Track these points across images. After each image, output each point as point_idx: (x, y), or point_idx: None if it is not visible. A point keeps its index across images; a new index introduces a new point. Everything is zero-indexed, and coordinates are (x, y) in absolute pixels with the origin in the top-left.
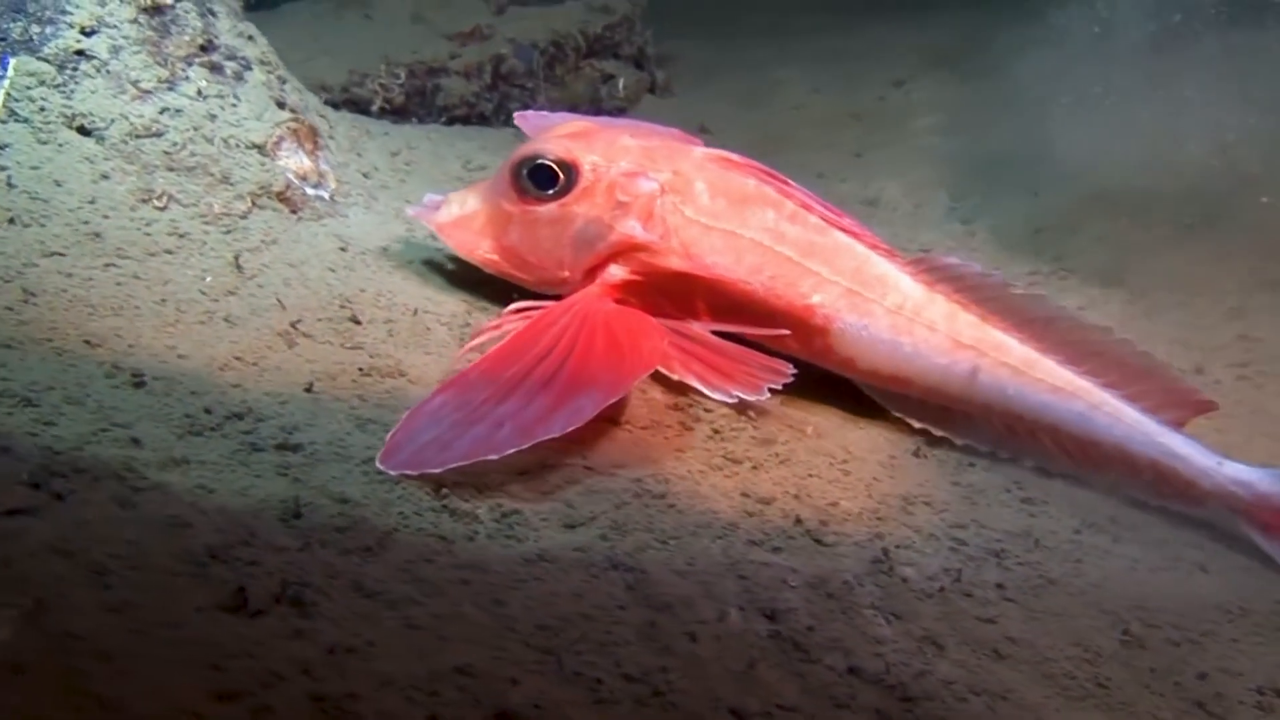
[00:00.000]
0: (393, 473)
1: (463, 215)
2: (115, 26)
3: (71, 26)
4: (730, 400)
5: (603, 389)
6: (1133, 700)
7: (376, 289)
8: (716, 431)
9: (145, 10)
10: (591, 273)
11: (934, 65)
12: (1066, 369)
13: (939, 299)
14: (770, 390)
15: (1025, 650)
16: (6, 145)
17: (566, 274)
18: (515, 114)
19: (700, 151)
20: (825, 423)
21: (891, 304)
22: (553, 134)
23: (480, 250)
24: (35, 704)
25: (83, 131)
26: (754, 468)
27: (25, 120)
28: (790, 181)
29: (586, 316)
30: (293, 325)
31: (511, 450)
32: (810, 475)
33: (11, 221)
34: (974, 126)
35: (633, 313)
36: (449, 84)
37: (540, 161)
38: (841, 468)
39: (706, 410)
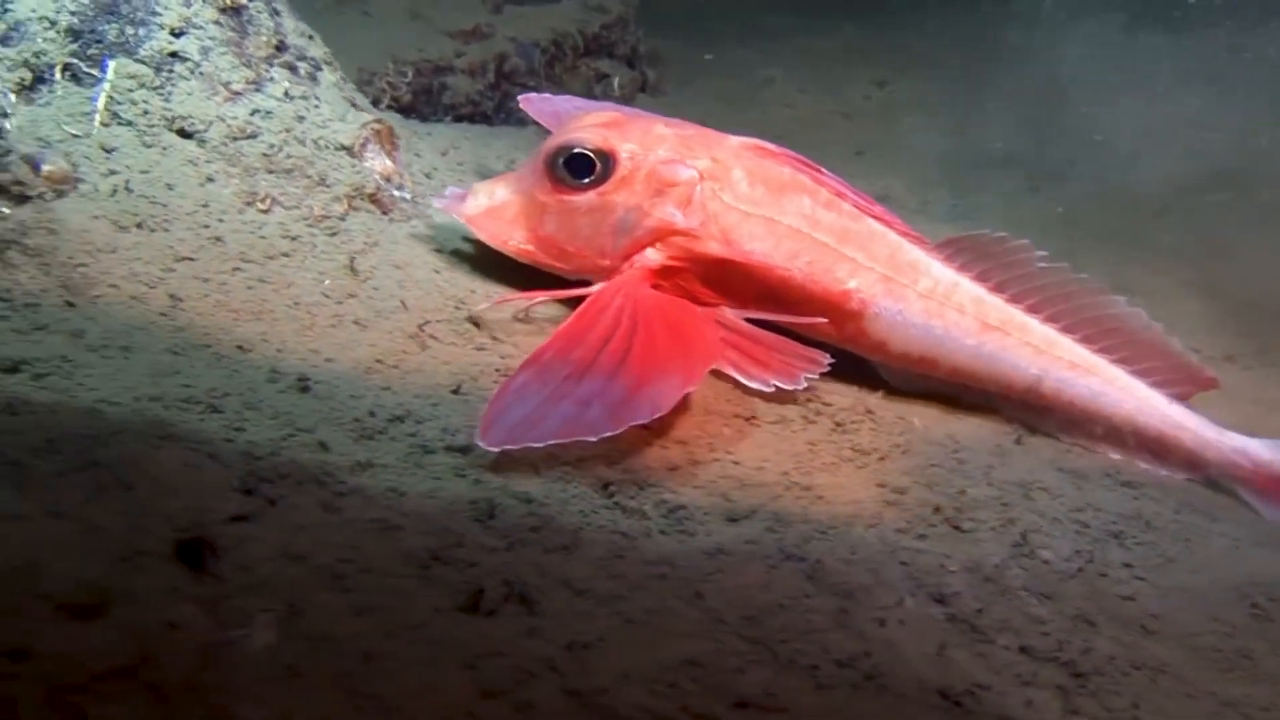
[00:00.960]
0: (493, 449)
1: (493, 206)
2: (201, 27)
3: (162, 28)
4: (768, 389)
5: (678, 377)
6: (1277, 672)
7: (484, 290)
8: (839, 425)
9: (224, 10)
10: (629, 259)
11: (911, 66)
12: (1083, 346)
13: (966, 281)
14: (807, 379)
15: (1169, 626)
16: (115, 149)
17: (606, 262)
18: (520, 97)
19: (736, 140)
20: (925, 415)
21: (923, 288)
22: (585, 123)
23: (514, 241)
24: (316, 705)
25: (183, 134)
26: (881, 459)
27: (129, 123)
28: (823, 170)
29: (638, 302)
30: (420, 328)
31: (607, 434)
32: (932, 465)
33: (140, 226)
34: (960, 126)
35: (679, 300)
36: (455, 82)
37: (577, 151)
38: (956, 457)
39: (826, 404)
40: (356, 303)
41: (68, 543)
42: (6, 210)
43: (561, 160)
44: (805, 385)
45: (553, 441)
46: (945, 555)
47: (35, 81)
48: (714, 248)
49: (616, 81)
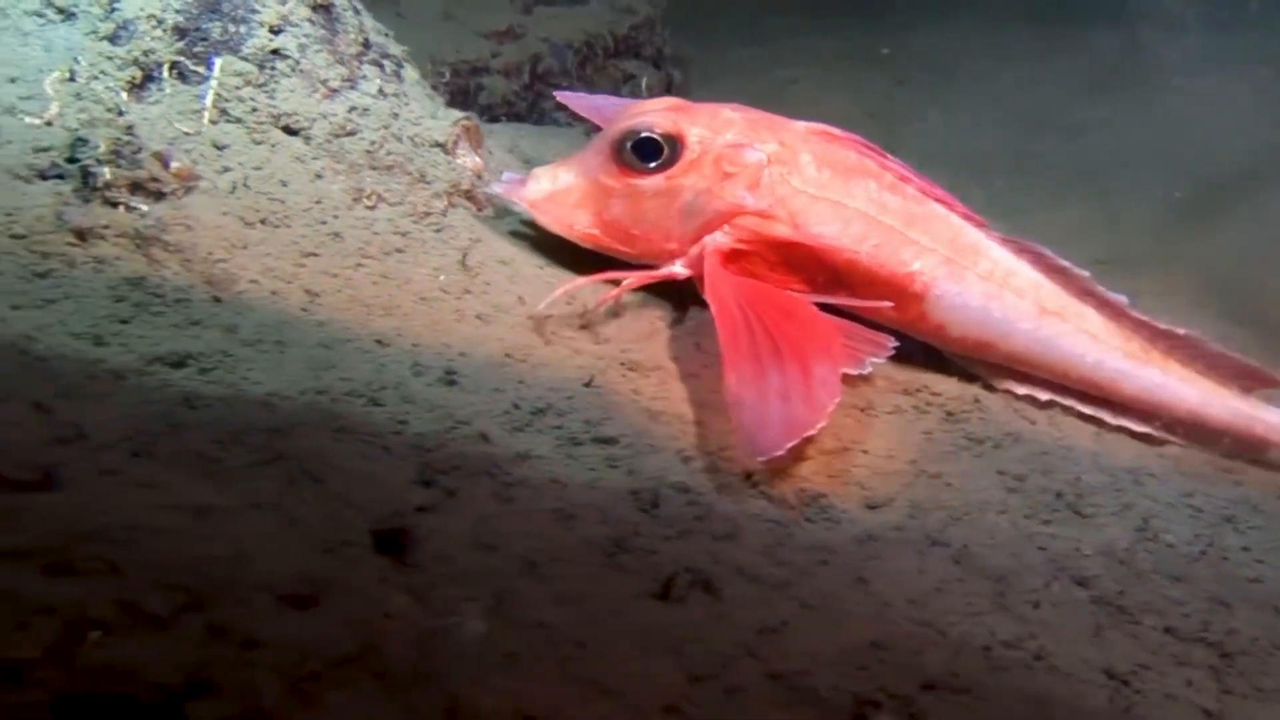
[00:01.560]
0: (763, 460)
1: (555, 191)
2: (297, 25)
3: (261, 25)
4: None
5: (829, 357)
6: None
7: (592, 286)
8: (950, 414)
9: (315, 8)
10: (696, 243)
11: (925, 66)
12: (1126, 334)
13: (1025, 266)
14: (872, 364)
15: None
16: (226, 146)
17: (673, 245)
18: (556, 93)
19: (802, 125)
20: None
21: (983, 271)
22: (651, 108)
23: (578, 225)
24: (543, 692)
25: (289, 131)
26: (995, 446)
27: (238, 120)
28: (887, 154)
29: (738, 289)
30: (540, 322)
31: (821, 424)
32: (1043, 453)
33: (264, 222)
34: (978, 126)
35: (759, 283)
36: (491, 83)
37: (645, 135)
38: (1064, 444)
39: (935, 395)
40: (473, 298)
41: (272, 534)
42: (145, 207)
43: (629, 144)
44: (869, 370)
45: (793, 444)
46: (1076, 539)
47: (145, 80)
48: (783, 230)
49: (644, 82)
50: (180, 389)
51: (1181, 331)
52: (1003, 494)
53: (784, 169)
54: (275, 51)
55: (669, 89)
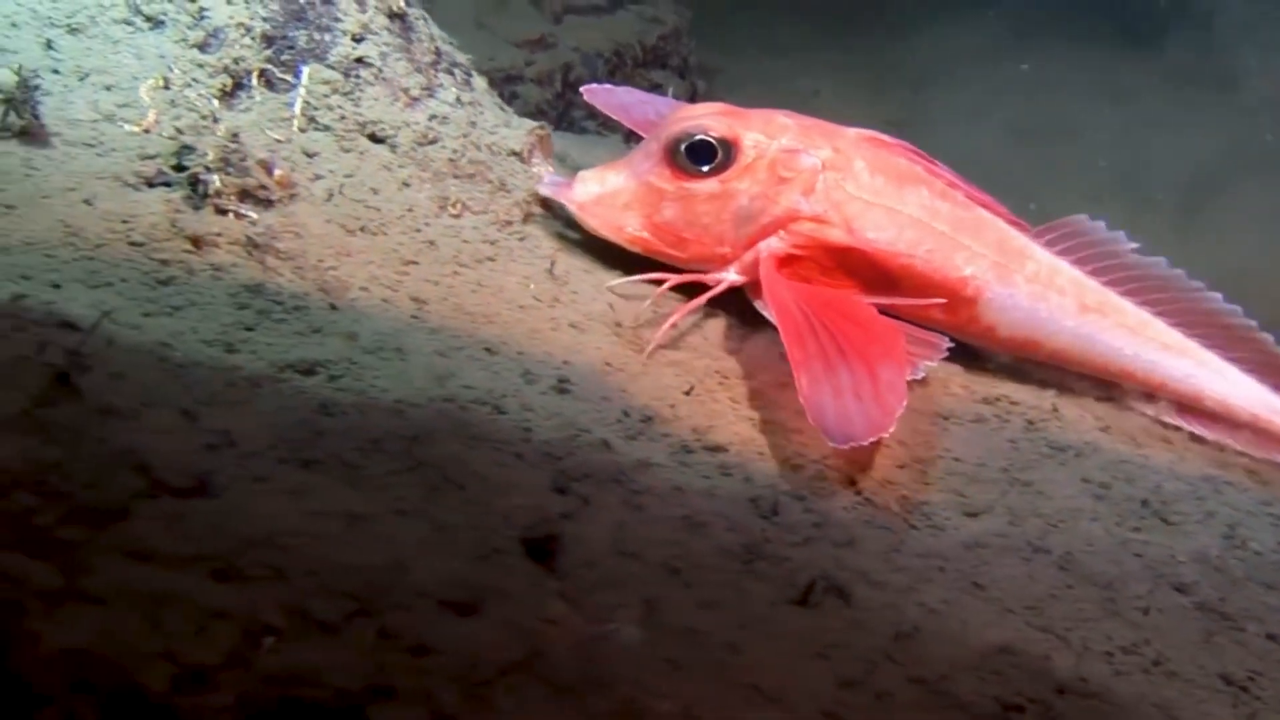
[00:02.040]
0: (846, 446)
1: (604, 193)
2: (377, 33)
3: (345, 34)
4: None
5: (894, 361)
6: None
7: (670, 293)
8: (1031, 423)
9: (392, 16)
10: (750, 247)
11: (935, 76)
12: (1177, 330)
13: (1065, 264)
14: (926, 368)
15: None
16: (316, 154)
17: (727, 250)
18: (583, 89)
19: (853, 131)
20: (1095, 413)
21: (1030, 273)
22: (705, 111)
23: (629, 228)
24: (710, 697)
25: (375, 139)
26: (1077, 455)
27: (327, 128)
28: (936, 161)
29: (796, 293)
30: (634, 330)
31: (891, 428)
32: (1123, 461)
33: (363, 230)
34: (1006, 131)
35: (818, 287)
36: (525, 91)
37: (700, 138)
38: (1141, 454)
39: (1014, 403)
40: (564, 307)
41: (424, 541)
42: (254, 215)
43: (684, 146)
44: (923, 375)
45: (875, 437)
46: (1169, 546)
47: (235, 88)
48: (838, 235)
49: (670, 92)
50: (315, 396)
51: (1226, 320)
52: (1092, 501)
53: (838, 175)
54: (359, 60)
55: (693, 98)
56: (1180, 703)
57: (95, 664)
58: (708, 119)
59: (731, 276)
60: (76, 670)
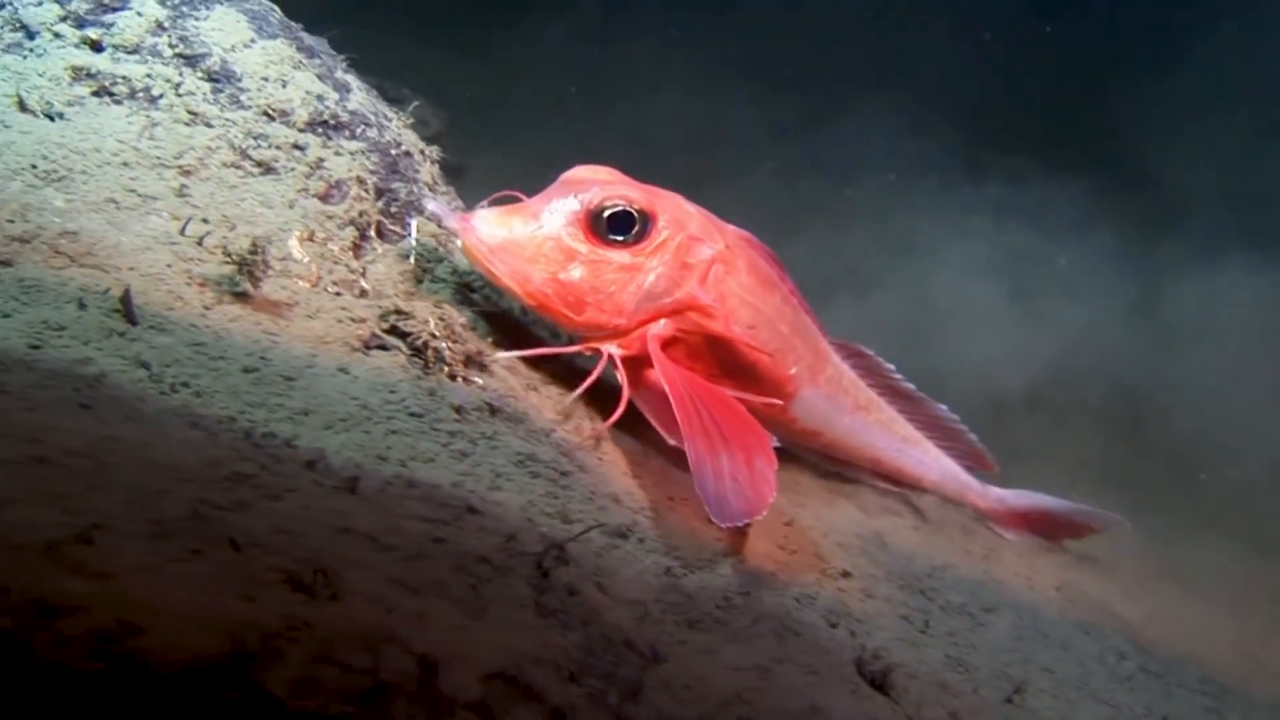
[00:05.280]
0: (724, 525)
1: (511, 240)
2: (436, 184)
3: (424, 185)
4: None
5: (765, 454)
6: None
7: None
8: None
9: (433, 163)
10: (642, 324)
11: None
12: (904, 421)
13: (846, 367)
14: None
15: None
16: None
17: (621, 321)
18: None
19: (733, 229)
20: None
21: (828, 375)
22: (621, 181)
23: (533, 282)
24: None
25: (469, 289)
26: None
27: (443, 281)
28: (780, 264)
29: (685, 378)
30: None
31: (763, 514)
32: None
33: (531, 388)
34: None
35: (694, 375)
36: None
37: (624, 209)
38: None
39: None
40: None
41: (790, 680)
42: (480, 380)
43: (606, 214)
44: None
45: (747, 520)
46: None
47: (360, 239)
48: (718, 326)
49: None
50: (656, 562)
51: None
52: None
53: (725, 269)
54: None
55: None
56: None
57: None
58: (625, 188)
59: (613, 349)
60: None
